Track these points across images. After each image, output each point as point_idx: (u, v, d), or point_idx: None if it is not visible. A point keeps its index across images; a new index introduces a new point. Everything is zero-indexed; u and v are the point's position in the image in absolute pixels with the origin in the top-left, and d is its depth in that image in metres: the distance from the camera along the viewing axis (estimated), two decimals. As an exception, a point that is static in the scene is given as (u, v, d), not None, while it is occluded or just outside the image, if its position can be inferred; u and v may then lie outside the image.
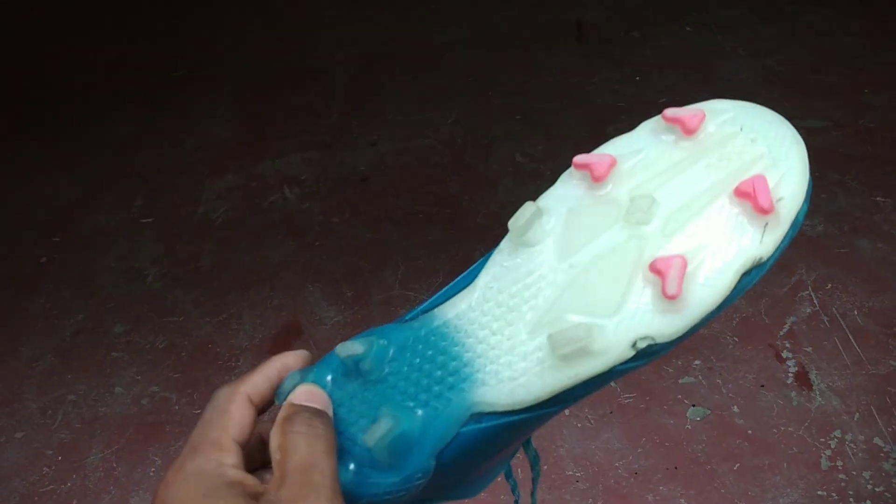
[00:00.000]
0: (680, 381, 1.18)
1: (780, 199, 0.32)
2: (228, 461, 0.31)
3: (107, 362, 1.35)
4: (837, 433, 1.08)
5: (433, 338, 0.35)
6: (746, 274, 0.31)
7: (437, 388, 0.33)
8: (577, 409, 1.15)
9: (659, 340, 0.31)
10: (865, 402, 1.12)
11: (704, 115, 0.34)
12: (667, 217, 0.33)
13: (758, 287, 1.33)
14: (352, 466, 0.33)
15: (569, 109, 1.83)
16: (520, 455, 0.41)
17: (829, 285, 1.30)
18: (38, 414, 1.27)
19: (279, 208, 1.66)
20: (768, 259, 0.32)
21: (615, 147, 0.36)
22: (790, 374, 1.17)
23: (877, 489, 1.01)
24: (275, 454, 0.31)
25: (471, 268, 0.37)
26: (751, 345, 1.22)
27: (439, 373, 0.34)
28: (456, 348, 0.34)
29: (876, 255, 1.34)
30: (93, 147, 1.95)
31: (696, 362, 1.20)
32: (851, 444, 1.06)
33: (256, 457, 0.35)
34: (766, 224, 0.31)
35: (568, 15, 2.25)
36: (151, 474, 1.15)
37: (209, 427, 0.33)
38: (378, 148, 1.81)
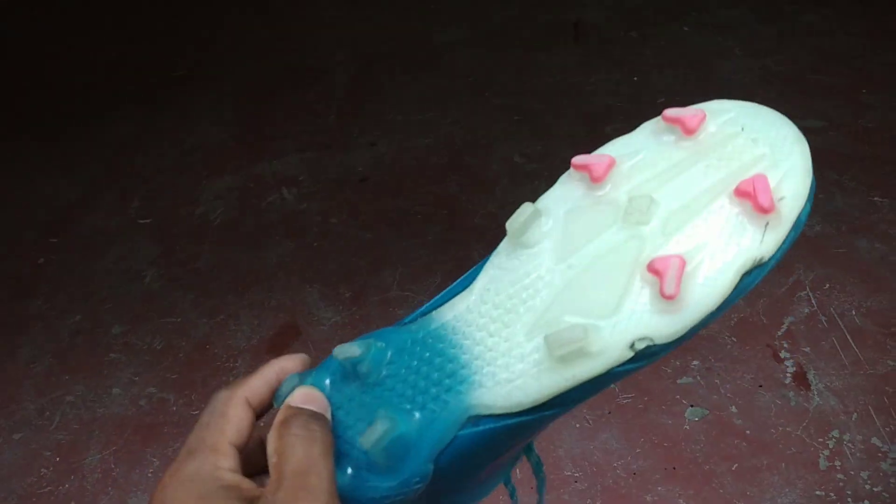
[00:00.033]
0: (678, 381, 1.18)
1: (781, 199, 0.31)
2: (225, 465, 0.31)
3: (105, 363, 1.35)
4: (835, 433, 1.08)
5: (431, 340, 0.34)
6: (747, 274, 0.31)
7: (434, 391, 0.33)
8: (576, 409, 1.15)
9: (658, 341, 0.31)
10: (863, 402, 1.12)
11: (705, 116, 0.34)
12: (666, 217, 0.32)
13: (756, 287, 1.33)
14: (349, 470, 0.33)
15: (567, 110, 1.83)
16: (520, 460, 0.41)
17: (827, 285, 1.29)
18: (36, 415, 1.27)
19: (277, 209, 1.66)
20: (770, 259, 0.31)
21: (614, 148, 0.36)
22: (788, 375, 1.17)
23: (875, 489, 1.01)
24: (271, 457, 0.31)
25: (470, 270, 0.37)
26: (749, 345, 1.22)
27: (436, 375, 0.33)
28: (453, 350, 0.34)
29: (874, 255, 1.34)
30: (91, 147, 1.95)
31: (695, 362, 1.20)
32: (849, 444, 1.06)
33: (257, 461, 0.35)
34: (767, 223, 0.31)
35: (567, 15, 2.25)
36: (149, 475, 1.15)
37: (206, 431, 0.33)
38: (377, 148, 1.81)
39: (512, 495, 0.42)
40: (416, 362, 0.34)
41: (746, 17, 2.12)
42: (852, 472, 1.03)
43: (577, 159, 0.35)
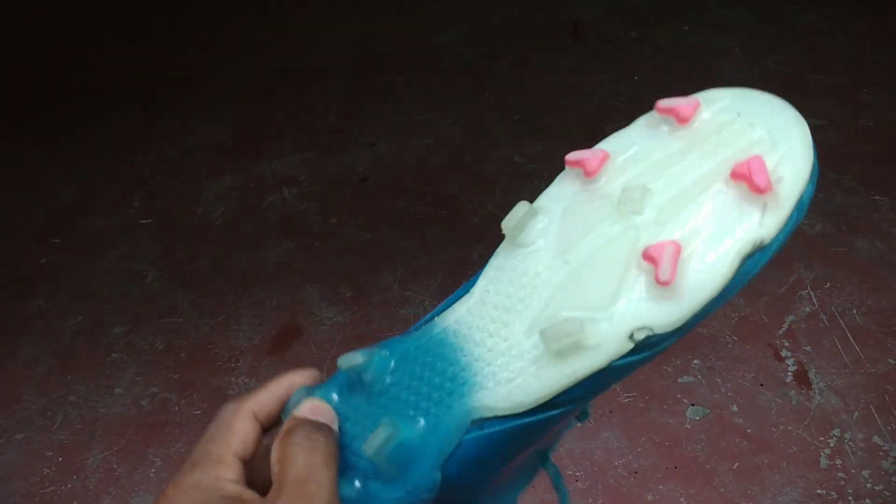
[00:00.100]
0: (679, 380, 1.18)
1: (779, 180, 0.30)
2: (227, 475, 0.31)
3: (106, 363, 1.35)
4: (836, 432, 1.08)
5: (433, 345, 0.34)
6: (749, 258, 0.30)
7: (436, 395, 0.33)
8: (577, 408, 1.15)
9: (657, 330, 0.30)
10: (864, 401, 1.12)
11: (699, 104, 0.34)
12: (662, 206, 0.32)
13: (756, 286, 1.33)
14: (357, 483, 0.33)
15: (567, 109, 1.83)
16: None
17: (828, 284, 1.30)
18: (38, 415, 1.27)
19: (278, 209, 1.66)
20: (772, 242, 0.30)
21: (609, 143, 0.35)
22: (789, 373, 1.17)
23: (876, 487, 1.01)
24: (274, 466, 0.31)
25: (475, 276, 0.36)
26: (750, 344, 1.22)
27: (439, 380, 0.33)
28: (455, 354, 0.34)
29: (874, 254, 1.34)
30: (91, 147, 1.95)
31: (696, 361, 1.20)
32: (850, 443, 1.07)
33: (266, 474, 0.35)
34: (765, 205, 0.30)
35: (567, 15, 2.25)
36: (151, 475, 1.15)
37: (211, 442, 0.33)
38: (376, 148, 1.81)
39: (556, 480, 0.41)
40: (419, 369, 0.34)
41: (746, 17, 2.12)
42: (853, 471, 1.03)
43: (571, 156, 0.35)
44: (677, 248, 0.30)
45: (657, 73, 1.92)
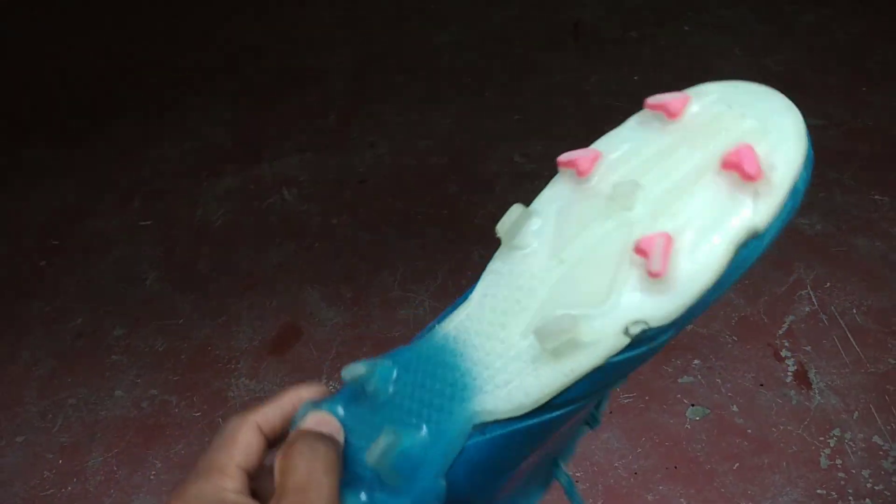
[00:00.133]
0: (679, 380, 1.18)
1: (772, 167, 0.30)
2: (230, 486, 0.32)
3: (106, 365, 1.35)
4: (837, 432, 1.08)
5: (434, 353, 0.34)
6: (743, 247, 0.30)
7: (438, 402, 0.33)
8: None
9: (653, 324, 0.30)
10: (864, 401, 1.12)
11: (688, 98, 0.33)
12: (654, 201, 0.32)
13: (756, 286, 1.33)
14: (363, 495, 0.33)
15: (567, 109, 1.83)
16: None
17: (828, 284, 1.30)
18: (39, 418, 1.27)
19: (277, 210, 1.66)
20: (766, 230, 0.30)
21: (601, 142, 0.35)
22: (789, 373, 1.17)
23: (876, 487, 1.01)
24: (276, 476, 0.31)
25: (476, 282, 0.36)
26: (750, 344, 1.22)
27: (440, 386, 0.33)
28: (455, 360, 0.33)
29: (874, 254, 1.34)
30: (91, 149, 1.95)
31: (696, 362, 1.20)
32: (851, 443, 1.07)
33: (271, 487, 0.36)
34: (757, 192, 0.30)
35: (567, 15, 2.25)
36: (152, 477, 1.15)
37: (215, 453, 0.33)
38: (376, 149, 1.81)
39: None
40: (421, 377, 0.34)
41: (746, 17, 2.12)
42: (853, 471, 1.03)
43: (563, 157, 0.35)
44: (668, 240, 0.29)
45: (657, 73, 1.92)
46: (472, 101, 1.93)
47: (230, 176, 1.78)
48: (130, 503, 1.12)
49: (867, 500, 1.00)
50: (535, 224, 0.34)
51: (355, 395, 0.35)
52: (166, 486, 1.14)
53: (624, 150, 0.34)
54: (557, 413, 0.32)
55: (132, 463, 1.18)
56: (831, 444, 1.07)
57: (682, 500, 1.03)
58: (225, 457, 0.33)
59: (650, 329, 0.30)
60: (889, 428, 1.08)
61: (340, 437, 0.34)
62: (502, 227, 0.34)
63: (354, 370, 0.34)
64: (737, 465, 1.06)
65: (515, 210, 0.34)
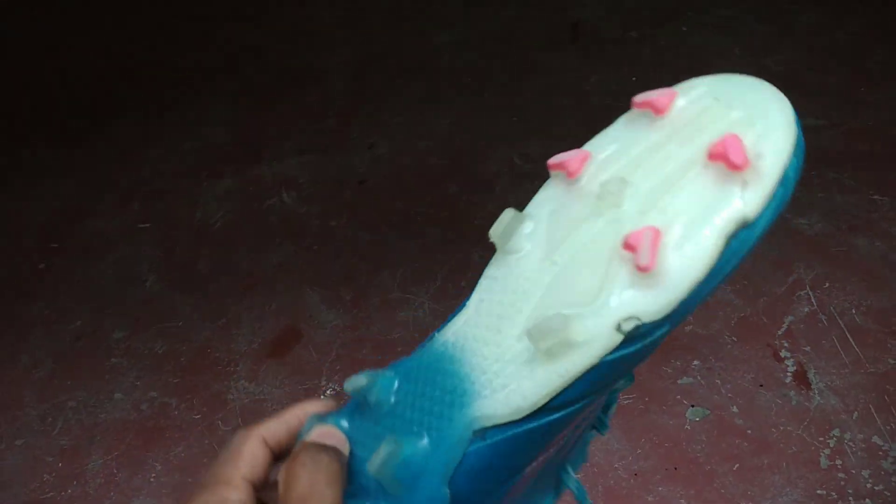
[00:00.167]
0: (679, 381, 1.18)
1: (759, 155, 0.30)
2: (234, 497, 0.32)
3: (106, 368, 1.35)
4: (836, 432, 1.08)
5: (434, 361, 0.34)
6: (734, 238, 0.29)
7: (438, 409, 0.33)
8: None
9: (645, 319, 0.29)
10: (864, 401, 1.12)
11: (675, 94, 0.33)
12: (643, 197, 0.31)
13: (756, 286, 1.33)
14: None
15: (566, 110, 1.83)
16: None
17: (827, 284, 1.30)
18: (38, 420, 1.27)
19: (277, 212, 1.66)
20: (757, 219, 0.29)
21: (591, 143, 0.36)
22: (789, 374, 1.17)
23: (876, 487, 1.01)
24: (280, 488, 0.32)
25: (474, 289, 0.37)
26: (749, 344, 1.22)
27: (439, 393, 0.33)
28: (454, 366, 0.34)
29: (873, 254, 1.34)
30: (91, 151, 1.96)
31: (695, 362, 1.20)
32: (850, 443, 1.07)
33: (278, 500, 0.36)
34: (745, 182, 0.29)
35: (566, 15, 2.25)
36: (152, 480, 1.15)
37: (220, 466, 0.33)
38: (375, 150, 1.81)
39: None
40: (421, 385, 0.34)
41: (745, 17, 2.12)
42: (853, 471, 1.03)
43: (553, 159, 0.35)
44: (656, 234, 0.29)
45: (657, 73, 1.92)
46: (471, 102, 1.93)
47: (230, 176, 1.79)
48: (130, 505, 1.13)
49: (867, 500, 1.00)
50: (527, 227, 0.34)
51: (359, 407, 0.35)
52: (166, 488, 1.14)
53: (613, 149, 0.34)
54: (557, 415, 0.32)
55: (132, 465, 1.18)
56: (831, 445, 1.07)
57: (682, 500, 1.03)
58: (230, 469, 0.33)
59: (643, 325, 0.29)
60: (889, 428, 1.08)
61: (345, 449, 0.34)
62: (495, 232, 0.34)
63: (356, 381, 0.34)
64: (737, 465, 1.06)
65: (507, 215, 0.34)
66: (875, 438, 1.07)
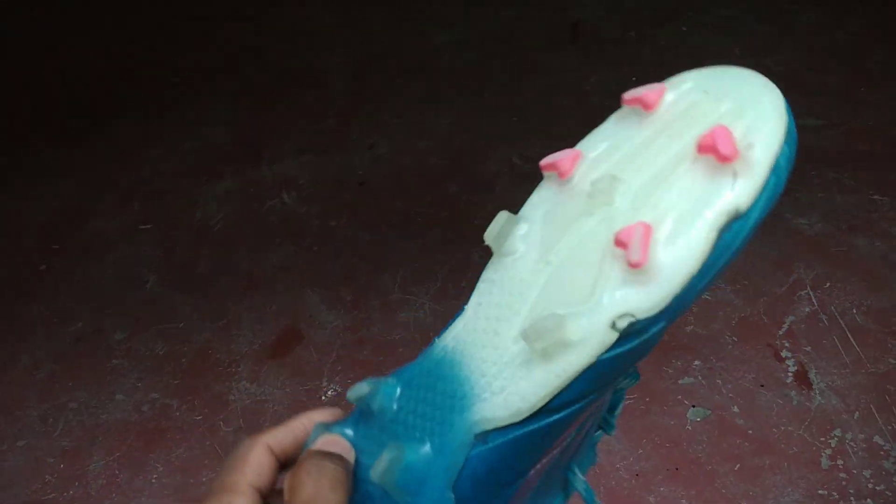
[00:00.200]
0: (680, 381, 1.18)
1: (749, 146, 0.29)
2: (241, 503, 0.32)
3: (107, 369, 1.35)
4: (837, 432, 1.08)
5: (434, 366, 0.34)
6: (726, 230, 0.29)
7: (439, 414, 0.33)
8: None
9: (640, 316, 0.29)
10: (865, 401, 1.12)
11: (664, 89, 0.33)
12: (633, 194, 0.31)
13: (756, 286, 1.33)
14: None
15: (566, 110, 1.83)
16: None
17: (828, 284, 1.30)
18: (39, 422, 1.27)
19: (277, 212, 1.66)
20: (749, 210, 0.29)
21: (583, 142, 0.36)
22: (790, 374, 1.17)
23: (877, 488, 1.01)
24: (285, 494, 0.32)
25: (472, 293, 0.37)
26: (750, 345, 1.22)
27: (440, 398, 0.33)
28: (454, 371, 0.34)
29: (874, 253, 1.34)
30: (91, 152, 1.95)
31: (696, 363, 1.20)
32: (851, 443, 1.07)
33: None
34: (736, 172, 0.29)
35: (566, 15, 2.24)
36: (153, 481, 1.15)
37: (226, 473, 0.34)
38: (375, 151, 1.81)
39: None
40: (423, 391, 0.34)
41: (745, 17, 2.12)
42: (855, 471, 1.03)
43: (544, 160, 0.35)
44: (647, 229, 0.29)
45: (657, 73, 1.90)
46: (471, 102, 1.93)
47: (230, 177, 1.79)
48: (132, 507, 1.13)
49: (868, 500, 1.00)
50: (521, 229, 0.34)
51: (363, 415, 0.35)
52: (168, 489, 1.14)
53: (604, 147, 0.34)
54: (557, 416, 0.32)
55: (133, 467, 1.18)
56: (832, 445, 1.07)
57: (683, 501, 1.03)
58: (237, 476, 0.33)
59: (638, 321, 0.29)
60: (890, 428, 1.08)
61: (350, 457, 0.35)
62: (489, 235, 0.34)
63: (359, 389, 0.34)
64: (738, 465, 1.06)
65: (501, 217, 0.34)
66: (876, 438, 1.07)
